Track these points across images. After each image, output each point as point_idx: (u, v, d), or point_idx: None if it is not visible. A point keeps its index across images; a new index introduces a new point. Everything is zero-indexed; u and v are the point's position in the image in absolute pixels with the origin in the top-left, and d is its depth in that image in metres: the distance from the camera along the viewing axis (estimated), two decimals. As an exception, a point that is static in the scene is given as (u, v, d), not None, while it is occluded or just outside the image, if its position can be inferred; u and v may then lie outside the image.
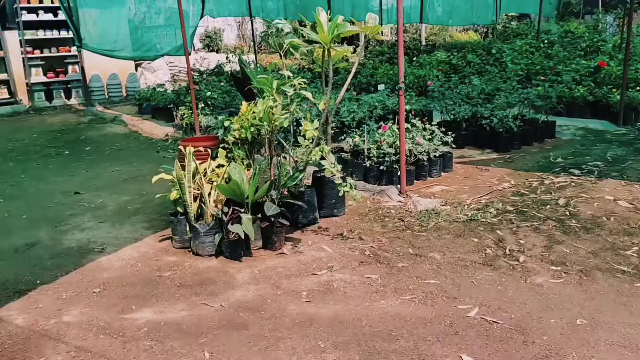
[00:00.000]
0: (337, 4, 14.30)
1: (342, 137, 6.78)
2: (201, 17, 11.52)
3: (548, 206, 4.65)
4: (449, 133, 5.77)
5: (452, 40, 20.75)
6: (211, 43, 19.00)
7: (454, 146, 5.89)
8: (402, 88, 4.79)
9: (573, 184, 5.18)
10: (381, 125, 5.76)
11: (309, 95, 4.20)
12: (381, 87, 8.81)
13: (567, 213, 4.47)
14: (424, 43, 20.51)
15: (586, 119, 7.88)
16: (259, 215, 4.12)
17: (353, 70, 4.76)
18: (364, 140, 5.64)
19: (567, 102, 7.87)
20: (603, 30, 17.70)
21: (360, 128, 6.25)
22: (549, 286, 3.35)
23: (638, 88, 7.66)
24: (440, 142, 5.67)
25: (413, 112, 6.09)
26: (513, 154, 6.37)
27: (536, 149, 6.62)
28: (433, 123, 6.07)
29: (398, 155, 5.23)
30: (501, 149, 6.50)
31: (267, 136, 4.33)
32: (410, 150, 5.45)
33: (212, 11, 11.85)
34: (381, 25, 4.80)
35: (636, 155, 6.02)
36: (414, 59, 13.18)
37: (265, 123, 4.12)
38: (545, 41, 12.17)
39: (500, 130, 6.45)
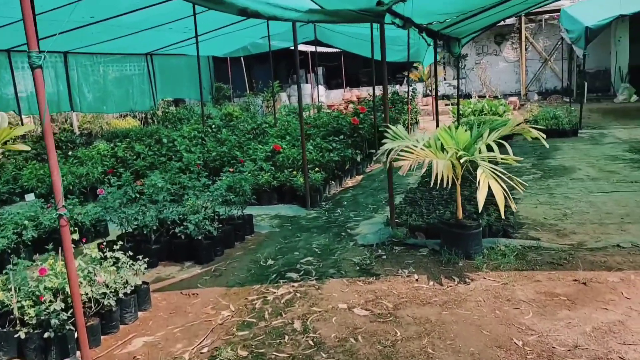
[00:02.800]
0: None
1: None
2: None
3: (286, 337, 3.70)
4: (139, 257, 4.34)
5: (111, 127, 19.19)
6: None
7: (146, 268, 4.49)
8: (64, 215, 3.18)
9: (298, 294, 4.42)
10: (37, 264, 3.92)
11: None
12: (30, 196, 6.70)
13: (311, 342, 3.59)
14: (77, 132, 18.34)
15: (275, 205, 7.56)
16: None
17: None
18: (11, 295, 3.68)
19: (254, 190, 7.40)
20: (255, 111, 19.11)
21: (5, 270, 4.21)
22: None
23: (317, 169, 7.77)
24: (130, 272, 4.18)
25: (85, 240, 4.44)
26: (219, 264, 5.33)
27: (240, 250, 5.76)
28: (111, 241, 4.55)
29: (72, 310, 3.51)
30: (203, 260, 5.38)
31: None
32: (89, 296, 3.79)
33: None
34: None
35: (339, 242, 5.77)
36: (70, 153, 11.14)
37: None
38: (213, 126, 11.95)
39: (199, 237, 5.36)
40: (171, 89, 17.92)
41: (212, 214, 5.58)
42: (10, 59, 12.18)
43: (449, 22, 7.20)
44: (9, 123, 17.02)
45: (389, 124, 5.58)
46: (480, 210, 4.22)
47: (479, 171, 4.30)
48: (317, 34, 16.63)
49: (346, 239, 5.88)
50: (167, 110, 18.52)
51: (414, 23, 7.05)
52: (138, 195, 5.77)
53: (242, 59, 22.97)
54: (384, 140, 5.33)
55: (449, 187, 4.59)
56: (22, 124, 13.47)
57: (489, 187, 4.24)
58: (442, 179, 4.43)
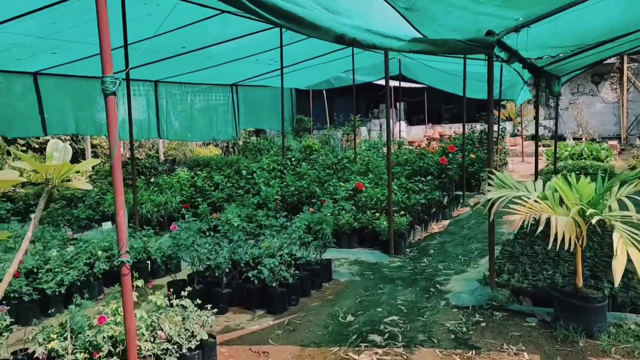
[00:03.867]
0: (54, 116, 11.79)
1: (35, 322, 4.21)
2: None
3: None
4: (208, 306, 3.90)
5: (193, 155, 19.62)
6: None
7: (214, 317, 4.05)
8: (127, 262, 2.79)
9: (384, 365, 3.79)
10: (101, 307, 3.57)
11: None
12: (107, 225, 6.57)
13: None
14: (162, 159, 18.85)
15: (356, 249, 6.99)
16: None
17: (32, 229, 2.62)
18: (66, 345, 3.33)
19: (333, 231, 6.88)
20: (335, 144, 18.80)
21: (67, 311, 3.91)
22: None
23: (402, 212, 7.13)
24: (198, 323, 3.75)
25: (151, 283, 4.08)
26: (293, 316, 4.80)
27: (317, 300, 5.21)
28: (181, 280, 4.16)
29: (129, 367, 3.10)
30: (276, 309, 4.88)
31: None
32: (152, 352, 3.37)
33: None
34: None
35: (428, 300, 5.08)
36: (152, 179, 11.23)
37: None
38: (292, 158, 11.66)
39: (273, 284, 4.87)
40: (253, 120, 18.05)
41: (289, 259, 5.09)
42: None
43: (561, 55, 6.46)
44: (100, 147, 17.79)
45: (492, 169, 4.89)
46: (617, 283, 3.42)
47: (615, 235, 3.51)
48: (401, 69, 16.19)
49: (436, 296, 5.18)
50: (248, 140, 18.66)
51: (519, 57, 6.37)
52: (212, 233, 5.42)
53: (324, 91, 22.96)
54: (487, 188, 4.65)
55: (571, 249, 3.81)
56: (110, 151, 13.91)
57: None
58: (561, 240, 3.69)
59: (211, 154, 19.14)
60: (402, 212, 7.14)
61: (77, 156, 17.59)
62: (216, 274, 4.93)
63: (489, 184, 4.72)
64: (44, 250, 5.67)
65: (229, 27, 9.43)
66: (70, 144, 17.72)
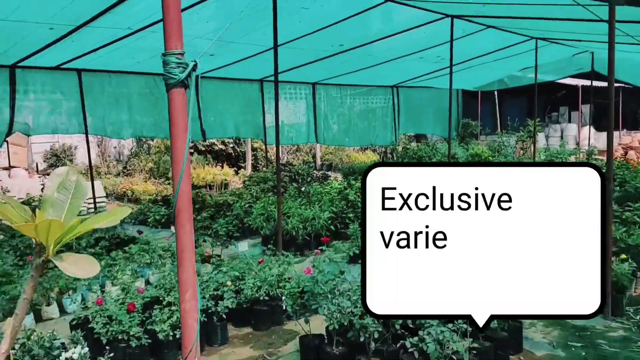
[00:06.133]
0: (214, 120, 11.63)
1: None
2: (8, 134, 8.36)
3: None
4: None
5: (350, 160, 18.78)
6: (58, 162, 15.28)
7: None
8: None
9: None
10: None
11: None
12: (243, 246, 5.66)
13: None
14: (319, 163, 18.32)
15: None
16: None
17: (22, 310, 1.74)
18: None
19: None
20: (507, 153, 16.51)
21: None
22: None
23: (623, 255, 5.11)
24: None
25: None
26: (469, 414, 3.31)
27: (502, 387, 3.63)
28: (317, 336, 2.94)
29: None
30: (445, 398, 3.43)
31: None
32: None
33: (27, 128, 8.59)
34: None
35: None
36: (302, 188, 10.41)
37: None
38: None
39: (441, 361, 3.42)
40: (414, 124, 16.60)
41: (464, 325, 3.59)
42: (262, 88, 12.24)
43: None
44: (260, 150, 17.74)
45: None
46: None
47: None
48: (594, 64, 13.44)
49: None
50: (407, 146, 17.25)
51: None
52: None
53: (495, 93, 20.60)
54: None
55: None
56: (266, 155, 13.58)
57: None
58: None
59: (368, 160, 18.10)
60: (623, 255, 5.13)
61: (238, 160, 17.78)
62: (361, 338, 3.62)
63: None
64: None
65: (392, 20, 8.18)
66: (233, 147, 18.01)
